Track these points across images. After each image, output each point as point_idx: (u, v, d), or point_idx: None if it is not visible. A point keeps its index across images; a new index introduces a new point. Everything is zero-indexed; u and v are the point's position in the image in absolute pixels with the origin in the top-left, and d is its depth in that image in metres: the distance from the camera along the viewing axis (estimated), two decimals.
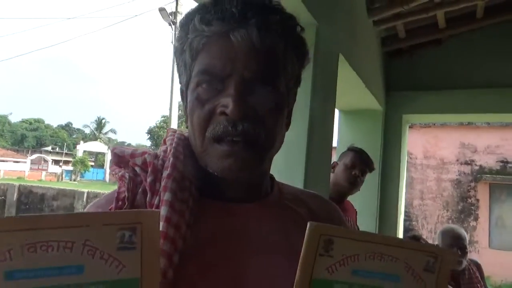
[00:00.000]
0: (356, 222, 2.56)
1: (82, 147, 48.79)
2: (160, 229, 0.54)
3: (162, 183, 0.59)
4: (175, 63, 0.70)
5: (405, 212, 10.11)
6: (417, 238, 2.66)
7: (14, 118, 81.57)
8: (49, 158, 45.53)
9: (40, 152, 49.75)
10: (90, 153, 49.85)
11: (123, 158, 0.65)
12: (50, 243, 0.35)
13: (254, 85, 0.59)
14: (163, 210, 0.56)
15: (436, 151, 9.94)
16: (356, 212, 2.61)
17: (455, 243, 2.50)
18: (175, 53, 0.68)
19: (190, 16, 0.63)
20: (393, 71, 3.92)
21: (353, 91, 3.11)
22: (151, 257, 0.40)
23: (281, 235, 0.66)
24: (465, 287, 2.47)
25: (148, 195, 0.59)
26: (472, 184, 9.68)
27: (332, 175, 2.33)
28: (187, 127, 0.67)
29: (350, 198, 2.55)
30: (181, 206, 0.58)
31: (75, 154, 47.80)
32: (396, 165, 3.91)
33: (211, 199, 0.64)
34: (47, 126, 78.43)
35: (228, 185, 0.65)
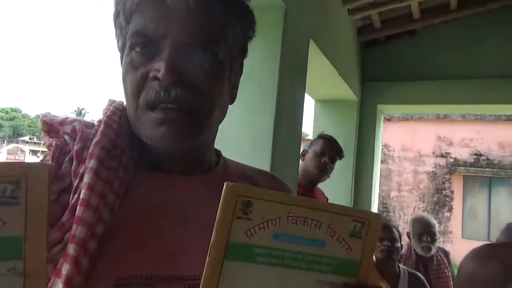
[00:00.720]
0: None
1: None
2: (81, 196, 0.52)
3: (89, 151, 0.56)
4: (114, 29, 0.67)
5: (383, 203, 10.30)
6: (386, 226, 2.69)
7: None
8: (26, 148, 44.47)
9: (17, 142, 48.55)
10: None
11: (52, 126, 0.61)
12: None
13: (190, 49, 0.56)
14: (86, 177, 0.53)
15: (413, 144, 10.11)
16: (327, 199, 2.62)
17: (425, 231, 2.56)
18: (112, 16, 0.64)
19: None
20: (369, 61, 3.94)
21: (327, 80, 3.10)
22: (38, 214, 0.37)
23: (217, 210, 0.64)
24: (433, 272, 2.54)
25: (74, 163, 0.56)
26: (447, 176, 9.91)
27: (301, 163, 2.32)
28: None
29: (324, 188, 2.55)
30: (108, 175, 0.55)
31: None
32: (370, 155, 3.94)
33: (148, 170, 0.61)
34: (25, 116, 76.49)
35: (165, 156, 0.62)
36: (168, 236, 0.58)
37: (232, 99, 0.69)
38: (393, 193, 10.25)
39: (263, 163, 1.72)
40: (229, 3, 0.61)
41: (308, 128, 4.03)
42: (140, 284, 0.52)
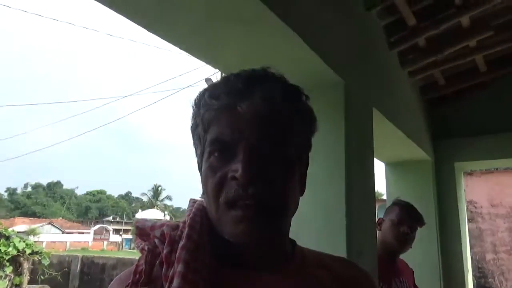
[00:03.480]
0: (414, 283, 2.36)
1: (140, 215, 50.45)
2: None
3: (177, 255, 0.61)
4: (192, 139, 0.75)
5: (478, 268, 9.19)
6: None
7: (79, 191, 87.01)
8: (110, 227, 47.33)
9: (102, 223, 52.02)
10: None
11: (144, 230, 0.68)
12: None
13: (262, 150, 0.62)
14: (175, 282, 0.57)
15: (504, 198, 9.15)
16: (413, 272, 2.42)
17: None
18: (190, 128, 0.72)
19: (201, 94, 0.69)
20: (439, 118, 3.80)
21: (395, 143, 3.03)
22: None
23: None
24: None
25: (164, 267, 0.61)
26: None
27: (378, 232, 2.21)
28: (203, 198, 0.70)
29: (408, 258, 2.38)
30: (194, 277, 0.59)
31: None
32: (455, 216, 3.64)
33: (230, 267, 0.65)
34: (109, 197, 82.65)
35: (245, 251, 0.66)
36: None
37: (302, 192, 0.72)
38: (489, 256, 9.13)
39: (338, 240, 1.67)
40: (293, 107, 0.67)
41: (381, 186, 3.88)
42: None
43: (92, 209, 75.22)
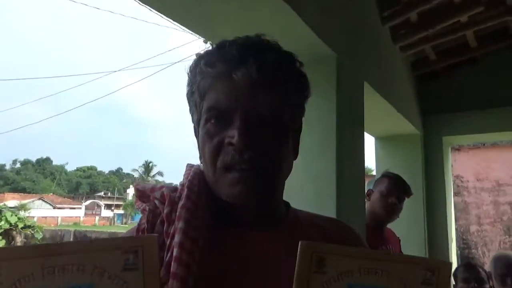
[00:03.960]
0: (400, 251, 2.46)
1: (131, 191, 50.55)
2: (174, 254, 0.60)
3: (177, 213, 0.65)
4: (188, 105, 0.77)
5: (462, 239, 9.49)
6: (472, 266, 2.49)
7: (70, 167, 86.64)
8: (102, 203, 47.46)
9: (94, 198, 52.06)
10: None
11: (144, 192, 0.72)
12: (66, 266, 0.42)
13: (258, 116, 0.65)
14: (176, 237, 0.61)
15: (490, 173, 9.37)
16: (400, 240, 2.52)
17: (509, 272, 2.30)
18: (186, 95, 0.75)
19: (196, 61, 0.70)
20: (429, 93, 3.85)
21: (385, 117, 3.08)
22: (152, 276, 0.45)
23: (294, 262, 0.69)
24: None
25: (165, 225, 0.65)
26: None
27: (368, 203, 2.29)
28: (201, 162, 0.73)
29: (395, 228, 2.47)
30: (194, 233, 0.63)
31: (126, 198, 49.64)
32: (441, 189, 3.75)
33: (226, 225, 0.69)
34: (99, 173, 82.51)
35: (241, 211, 0.69)
36: (251, 287, 0.64)
37: (295, 156, 0.76)
38: (473, 228, 9.42)
39: (328, 209, 1.74)
40: (287, 72, 0.70)
41: (371, 162, 3.95)
42: None
43: (82, 185, 75.18)
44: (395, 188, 2.25)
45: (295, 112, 0.73)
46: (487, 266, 2.46)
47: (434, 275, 0.49)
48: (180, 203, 0.66)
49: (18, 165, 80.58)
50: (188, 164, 0.78)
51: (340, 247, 0.51)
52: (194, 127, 0.75)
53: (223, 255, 0.66)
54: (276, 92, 0.67)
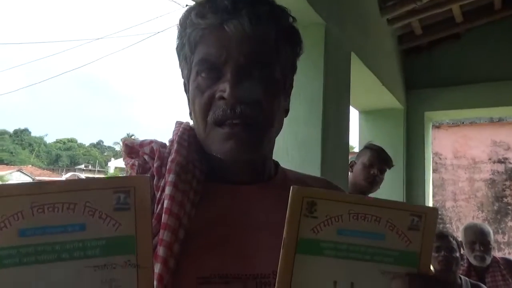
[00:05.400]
0: None
1: (113, 164, 50.19)
2: (165, 206, 0.59)
3: (167, 167, 0.64)
4: (177, 59, 0.75)
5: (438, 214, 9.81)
6: (443, 236, 2.59)
7: (49, 139, 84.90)
8: (83, 175, 47.00)
9: (74, 171, 51.51)
10: (121, 170, 51.14)
11: (133, 148, 0.70)
12: (56, 205, 0.41)
13: (249, 70, 0.63)
14: (167, 190, 0.61)
15: (467, 151, 9.63)
16: None
17: (477, 239, 2.43)
18: (176, 49, 0.72)
19: (187, 13, 0.68)
20: (413, 68, 3.88)
21: (370, 90, 3.10)
22: (144, 217, 0.45)
23: (282, 214, 0.70)
24: (489, 284, 2.38)
25: (155, 179, 0.64)
26: (507, 183, 9.30)
27: (350, 174, 2.32)
28: (191, 118, 0.72)
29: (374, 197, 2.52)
30: (184, 186, 0.62)
31: (107, 171, 49.25)
32: (421, 164, 3.84)
33: (216, 181, 0.68)
34: (80, 145, 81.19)
35: (231, 167, 0.69)
36: (240, 239, 0.64)
37: (286, 112, 0.76)
38: (449, 203, 9.75)
39: (312, 174, 1.76)
40: (280, 27, 0.68)
41: (354, 141, 3.99)
42: (217, 282, 0.59)
43: (62, 157, 73.96)
44: (377, 159, 2.29)
45: (287, 68, 0.71)
46: (459, 236, 2.57)
47: (421, 220, 0.50)
48: (170, 158, 0.65)
49: None
50: (177, 121, 0.76)
51: (331, 192, 0.51)
52: (184, 82, 0.73)
53: (214, 208, 0.66)
54: (268, 45, 0.65)
